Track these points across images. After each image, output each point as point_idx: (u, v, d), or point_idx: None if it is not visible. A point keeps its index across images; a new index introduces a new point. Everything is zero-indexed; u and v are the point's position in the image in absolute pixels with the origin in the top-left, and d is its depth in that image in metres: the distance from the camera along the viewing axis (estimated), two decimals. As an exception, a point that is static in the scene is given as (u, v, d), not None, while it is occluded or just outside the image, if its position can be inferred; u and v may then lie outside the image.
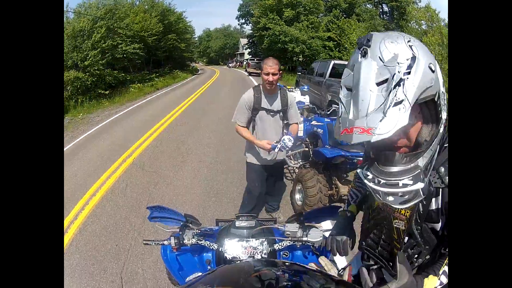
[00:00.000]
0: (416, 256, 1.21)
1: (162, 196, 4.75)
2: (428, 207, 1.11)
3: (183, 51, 35.06)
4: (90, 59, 15.94)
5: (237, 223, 1.65)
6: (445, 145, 1.09)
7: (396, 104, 0.83)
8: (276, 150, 2.90)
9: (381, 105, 0.84)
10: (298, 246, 1.61)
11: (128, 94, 17.45)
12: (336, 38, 22.86)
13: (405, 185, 0.95)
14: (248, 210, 3.40)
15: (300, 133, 4.96)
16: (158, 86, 21.42)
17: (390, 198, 0.98)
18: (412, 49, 0.88)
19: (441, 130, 1.00)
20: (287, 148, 2.92)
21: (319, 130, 4.69)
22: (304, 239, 1.54)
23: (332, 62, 9.23)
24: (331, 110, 5.02)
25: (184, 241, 1.53)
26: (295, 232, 1.56)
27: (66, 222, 4.08)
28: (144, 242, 1.55)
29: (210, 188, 4.93)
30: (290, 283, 0.94)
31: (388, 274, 1.28)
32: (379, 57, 0.87)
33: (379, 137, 0.84)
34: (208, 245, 1.55)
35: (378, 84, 0.86)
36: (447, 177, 1.03)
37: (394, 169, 0.97)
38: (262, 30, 27.56)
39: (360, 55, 0.91)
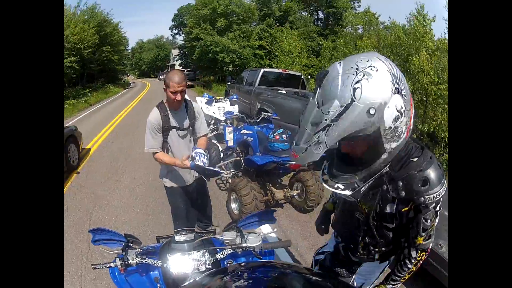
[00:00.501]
0: (373, 245, 1.51)
1: (102, 217, 4.54)
2: (384, 209, 1.34)
3: (117, 64, 34.08)
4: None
5: (177, 238, 1.63)
6: (409, 160, 1.25)
7: (315, 144, 1.07)
8: (194, 164, 2.68)
9: (308, 141, 1.08)
10: (240, 252, 1.62)
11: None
12: (268, 47, 23.28)
13: (338, 188, 1.27)
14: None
15: (231, 143, 5.03)
16: (91, 102, 20.37)
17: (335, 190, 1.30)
18: (354, 93, 1.00)
19: (385, 156, 1.17)
20: (204, 164, 2.70)
21: (249, 138, 4.76)
22: (244, 245, 1.57)
23: (262, 70, 9.39)
24: (260, 118, 5.15)
25: (129, 261, 1.50)
26: (233, 239, 1.60)
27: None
28: (92, 266, 1.52)
29: (147, 206, 4.83)
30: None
31: (349, 252, 1.68)
32: (320, 101, 1.06)
33: (300, 162, 1.29)
34: (152, 263, 1.53)
35: (312, 124, 1.07)
36: (403, 192, 1.24)
37: (337, 174, 1.29)
38: (194, 40, 27.37)
39: (313, 92, 1.12)
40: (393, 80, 1.04)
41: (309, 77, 11.73)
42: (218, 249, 1.62)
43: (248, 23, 26.95)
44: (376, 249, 1.53)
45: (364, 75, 1.00)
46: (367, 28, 17.52)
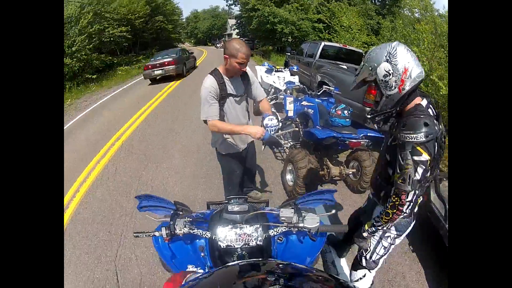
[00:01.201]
0: (381, 185, 1.92)
1: (152, 179, 4.71)
2: (387, 143, 1.86)
3: (171, 33, 34.51)
4: (77, 44, 15.28)
5: (230, 208, 1.60)
6: (412, 115, 1.60)
7: (353, 82, 1.85)
8: (269, 134, 2.56)
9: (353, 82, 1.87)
10: (294, 232, 1.56)
11: (116, 77, 17.13)
12: (326, 21, 22.41)
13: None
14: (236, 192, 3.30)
15: (290, 113, 4.94)
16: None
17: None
18: (365, 59, 1.74)
19: (385, 99, 1.69)
20: (276, 128, 2.64)
21: (309, 110, 4.66)
22: (300, 225, 1.49)
23: (323, 43, 9.12)
24: (321, 91, 4.97)
25: (176, 231, 1.46)
26: (290, 217, 1.49)
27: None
28: (134, 234, 1.47)
29: (200, 169, 4.94)
30: None
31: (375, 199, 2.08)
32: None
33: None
34: (200, 233, 1.49)
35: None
36: (399, 134, 1.58)
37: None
38: (250, 11, 26.94)
39: None
40: (387, 55, 1.60)
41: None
42: (272, 225, 1.53)
43: (306, -4, 25.93)
44: (382, 190, 1.92)
45: (373, 51, 1.69)
46: (423, 13, 16.24)
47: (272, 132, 2.56)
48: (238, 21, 42.36)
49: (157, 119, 7.91)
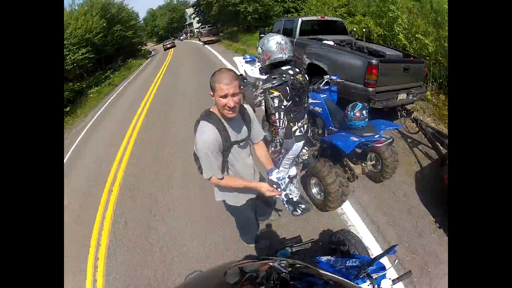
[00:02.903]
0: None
1: (167, 232, 4.20)
2: None
3: (132, 38, 34.21)
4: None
5: None
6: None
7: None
8: (283, 194, 2.22)
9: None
10: None
11: (89, 101, 16.52)
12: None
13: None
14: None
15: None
16: (115, 83, 20.53)
17: None
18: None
19: (265, 63, 2.89)
20: (286, 182, 2.26)
21: (317, 108, 4.26)
22: None
23: (300, 19, 8.35)
24: (323, 82, 4.40)
25: None
26: None
27: None
28: None
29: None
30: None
31: None
32: None
33: None
34: None
35: None
36: None
37: None
38: (209, -3, 26.07)
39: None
40: (262, 42, 2.83)
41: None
42: None
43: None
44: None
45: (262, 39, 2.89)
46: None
47: (284, 187, 2.22)
48: (197, 9, 41.25)
49: (145, 145, 7.37)
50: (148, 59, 32.56)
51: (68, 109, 15.55)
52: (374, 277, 1.58)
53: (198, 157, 2.15)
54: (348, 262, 1.76)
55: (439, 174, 3.95)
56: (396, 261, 1.77)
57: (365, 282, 1.57)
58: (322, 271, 1.10)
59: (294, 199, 2.29)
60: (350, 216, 3.73)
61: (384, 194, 4.08)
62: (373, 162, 4.16)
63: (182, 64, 19.53)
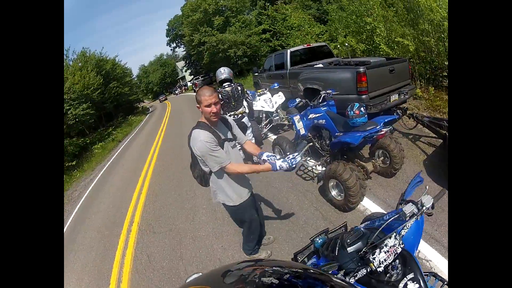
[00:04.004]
0: None
1: (194, 254, 4.24)
2: None
3: (129, 95, 34.59)
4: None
5: (348, 241, 1.65)
6: None
7: None
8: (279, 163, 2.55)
9: None
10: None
11: (95, 157, 16.81)
12: (271, 28, 22.87)
13: None
14: (257, 241, 3.38)
15: (302, 131, 4.86)
16: (119, 138, 20.93)
17: None
18: None
19: None
20: (274, 157, 2.66)
21: (320, 121, 4.55)
22: (425, 207, 1.68)
23: (289, 51, 8.88)
24: (321, 97, 4.84)
25: None
26: (412, 210, 1.66)
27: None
28: None
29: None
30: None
31: None
32: None
33: None
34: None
35: None
36: None
37: None
38: (198, 46, 27.30)
39: None
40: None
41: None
42: (400, 227, 1.64)
43: (244, 12, 26.52)
44: None
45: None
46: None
47: (272, 159, 2.61)
48: (187, 61, 42.76)
49: (159, 190, 7.53)
50: (147, 115, 33.27)
51: (74, 163, 15.81)
52: (409, 212, 1.66)
53: (201, 159, 2.60)
54: (386, 217, 1.85)
55: (446, 154, 4.16)
56: (427, 187, 1.82)
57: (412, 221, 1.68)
58: (326, 275, 1.12)
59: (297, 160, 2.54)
60: (373, 210, 3.86)
61: (399, 186, 4.26)
62: (382, 157, 4.42)
63: (182, 115, 20.17)
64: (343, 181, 3.68)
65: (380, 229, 1.55)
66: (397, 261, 1.52)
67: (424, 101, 6.59)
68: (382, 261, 1.44)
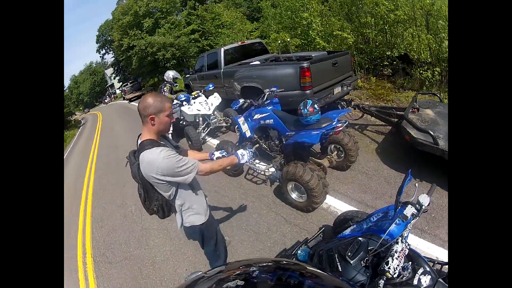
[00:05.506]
0: None
1: (158, 284, 3.85)
2: None
3: None
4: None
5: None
6: None
7: None
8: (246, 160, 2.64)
9: None
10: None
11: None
12: (200, 28, 22.46)
13: None
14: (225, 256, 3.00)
15: (248, 133, 4.57)
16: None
17: None
18: None
19: None
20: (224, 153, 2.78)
21: (268, 121, 4.32)
22: (423, 207, 1.71)
23: (222, 49, 8.55)
24: (265, 96, 4.59)
25: None
26: (411, 211, 1.68)
27: None
28: None
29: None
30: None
31: None
32: None
33: None
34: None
35: None
36: None
37: None
38: (127, 51, 25.96)
39: None
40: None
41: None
42: (407, 230, 1.65)
43: (173, 13, 25.76)
44: None
45: None
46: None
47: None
48: (116, 68, 40.63)
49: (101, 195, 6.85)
50: (80, 129, 31.08)
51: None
52: (410, 214, 1.69)
53: (166, 181, 2.14)
54: (372, 218, 1.90)
55: (398, 138, 4.29)
56: (417, 184, 1.91)
57: (402, 223, 1.68)
58: (301, 265, 1.13)
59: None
60: (337, 206, 3.82)
61: (357, 178, 4.29)
62: (336, 152, 4.40)
63: (114, 127, 18.54)
64: (304, 183, 3.55)
65: (383, 237, 1.62)
66: (404, 260, 1.56)
67: (366, 91, 6.80)
68: (396, 267, 1.45)
